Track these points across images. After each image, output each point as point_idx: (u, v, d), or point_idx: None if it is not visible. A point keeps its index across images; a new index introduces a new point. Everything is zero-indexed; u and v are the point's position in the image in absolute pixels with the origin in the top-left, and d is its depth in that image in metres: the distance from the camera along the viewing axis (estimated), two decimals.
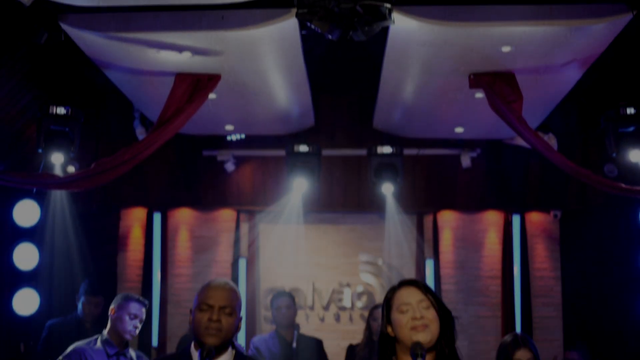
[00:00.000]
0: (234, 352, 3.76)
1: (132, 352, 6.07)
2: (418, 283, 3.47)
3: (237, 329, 3.73)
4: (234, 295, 3.71)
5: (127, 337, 5.95)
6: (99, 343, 5.92)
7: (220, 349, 3.67)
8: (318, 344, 8.08)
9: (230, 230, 9.52)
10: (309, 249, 9.51)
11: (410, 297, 3.41)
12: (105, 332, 5.99)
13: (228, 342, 3.70)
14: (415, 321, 3.34)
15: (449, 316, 3.44)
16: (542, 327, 9.28)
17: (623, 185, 6.82)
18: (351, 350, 8.11)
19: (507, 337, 5.55)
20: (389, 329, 3.43)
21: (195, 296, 3.73)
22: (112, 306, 6.02)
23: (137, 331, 6.03)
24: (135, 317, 5.97)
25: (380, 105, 8.26)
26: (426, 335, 3.32)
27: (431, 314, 3.37)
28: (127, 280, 9.42)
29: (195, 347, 3.63)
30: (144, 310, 6.07)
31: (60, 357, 5.79)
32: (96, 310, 7.76)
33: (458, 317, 3.42)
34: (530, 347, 5.39)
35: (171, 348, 8.94)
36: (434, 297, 3.43)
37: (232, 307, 3.66)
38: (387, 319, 3.45)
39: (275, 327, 8.07)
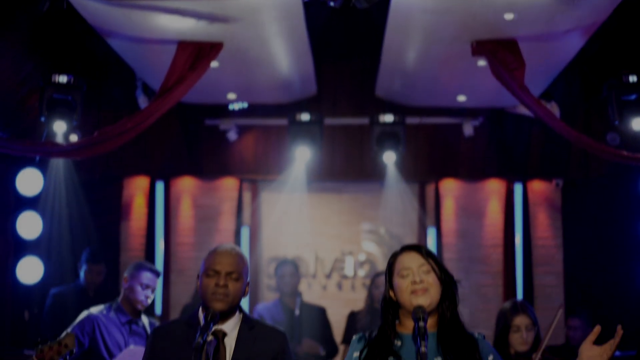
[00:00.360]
0: (241, 316, 3.80)
1: (144, 320, 6.11)
2: (419, 248, 3.50)
3: (244, 294, 3.77)
4: (240, 260, 3.74)
5: (139, 306, 5.98)
6: (111, 311, 5.98)
7: (228, 314, 3.71)
8: (321, 311, 8.15)
9: (233, 199, 9.55)
10: (312, 218, 9.54)
11: (411, 261, 3.44)
12: (118, 300, 6.04)
13: (235, 307, 3.74)
14: (415, 285, 3.38)
15: (451, 281, 3.47)
16: (544, 295, 9.32)
17: (625, 152, 6.83)
18: (352, 317, 8.18)
19: (506, 304, 5.60)
20: (391, 294, 3.47)
21: (202, 262, 3.76)
22: (125, 275, 6.06)
23: (149, 301, 6.06)
24: (147, 287, 5.99)
25: (382, 73, 8.25)
26: (426, 299, 3.36)
27: (431, 278, 3.41)
28: (130, 249, 9.46)
29: (203, 312, 3.67)
30: (156, 279, 6.08)
31: (73, 325, 5.84)
32: (98, 278, 7.80)
33: (460, 281, 3.46)
34: (529, 313, 5.43)
35: (174, 316, 9.00)
36: (435, 262, 3.46)
37: (239, 272, 3.70)
38: (390, 283, 3.48)
39: (279, 295, 8.14)
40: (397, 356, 3.36)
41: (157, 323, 6.26)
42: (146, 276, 5.99)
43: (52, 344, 4.99)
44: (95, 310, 5.97)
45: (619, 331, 3.32)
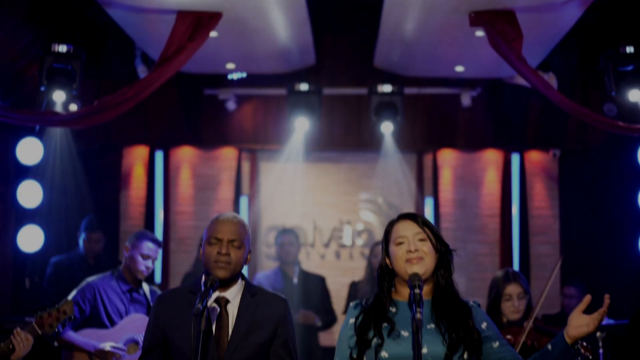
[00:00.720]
0: (243, 283, 3.86)
1: (145, 288, 6.17)
2: (416, 217, 3.55)
3: (246, 261, 3.83)
4: (242, 228, 3.79)
5: (139, 276, 6.04)
6: (113, 279, 6.04)
7: (230, 281, 3.77)
8: (321, 280, 8.24)
9: (232, 169, 9.60)
10: (310, 187, 9.59)
11: (407, 230, 3.50)
12: (120, 268, 6.09)
13: (237, 274, 3.80)
14: (410, 254, 3.43)
15: (446, 250, 3.53)
16: (540, 264, 9.40)
17: (621, 123, 6.87)
18: (354, 287, 8.27)
19: (498, 273, 5.68)
20: (387, 261, 3.53)
21: (205, 230, 3.81)
22: (126, 244, 6.11)
23: (150, 271, 6.11)
24: (148, 257, 6.04)
25: (381, 43, 8.26)
26: (420, 268, 3.41)
27: (427, 247, 3.46)
28: (130, 217, 9.52)
29: (205, 279, 3.73)
30: (157, 249, 6.13)
31: (74, 292, 5.90)
32: (96, 245, 7.86)
33: (456, 250, 3.50)
34: (520, 282, 5.50)
35: (174, 284, 9.08)
36: (431, 231, 3.51)
37: (241, 240, 3.75)
38: (386, 251, 3.54)
39: (278, 264, 8.22)
40: (391, 322, 3.42)
41: (158, 291, 6.31)
42: (147, 246, 6.03)
43: (51, 310, 5.06)
44: (96, 278, 6.04)
45: (607, 300, 3.37)
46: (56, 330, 5.06)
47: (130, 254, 6.03)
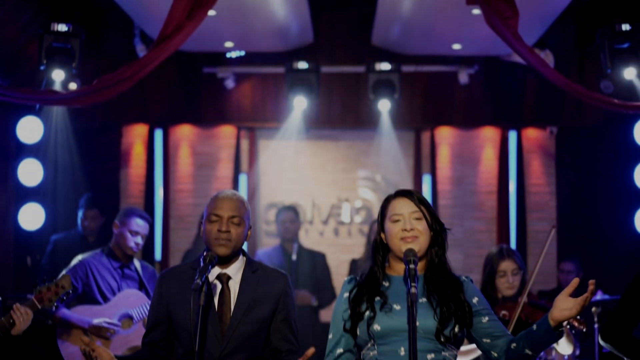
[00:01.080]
0: (244, 259, 3.93)
1: (137, 263, 6.23)
2: (413, 194, 3.60)
3: (247, 237, 3.89)
4: (241, 205, 3.86)
5: (129, 252, 6.10)
6: (103, 256, 6.09)
7: (231, 258, 3.84)
8: (321, 257, 8.32)
9: (231, 147, 9.64)
10: (309, 165, 9.64)
11: (403, 208, 3.55)
12: (110, 245, 6.15)
13: (238, 250, 3.87)
14: (405, 232, 3.49)
15: (441, 228, 3.59)
16: (537, 240, 9.47)
17: (616, 101, 6.90)
18: (353, 265, 8.36)
19: (493, 249, 5.75)
20: (382, 236, 3.59)
21: (205, 208, 3.88)
22: (115, 221, 6.16)
23: (139, 247, 6.18)
24: (137, 233, 6.09)
25: (378, 21, 8.28)
26: (414, 246, 3.47)
27: (421, 226, 3.52)
28: (130, 195, 9.57)
29: None
30: (146, 226, 6.18)
31: (65, 270, 5.95)
32: (93, 223, 7.89)
33: (451, 229, 3.56)
34: (514, 258, 5.58)
35: (174, 262, 9.15)
36: (427, 209, 3.57)
37: (241, 216, 3.82)
38: (381, 226, 3.60)
39: (279, 241, 8.29)
40: (383, 296, 3.49)
41: (149, 266, 6.40)
42: (136, 223, 6.08)
43: (50, 285, 5.13)
44: (87, 255, 6.10)
45: (591, 286, 3.39)
46: (55, 304, 5.14)
47: (119, 231, 6.09)
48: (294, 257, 8.01)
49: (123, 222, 6.09)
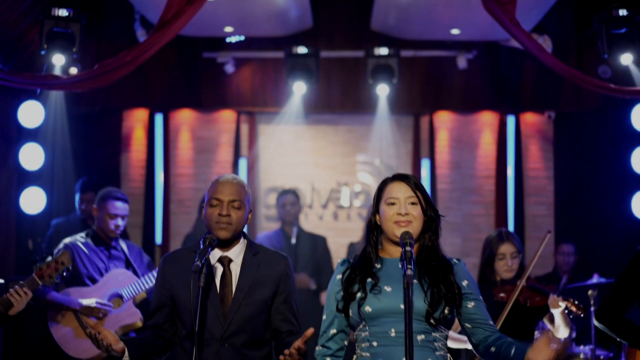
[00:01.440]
0: (245, 242, 4.00)
1: (122, 244, 6.26)
2: (410, 179, 3.65)
3: (247, 221, 3.96)
4: (241, 189, 3.92)
5: (111, 235, 6.13)
6: (88, 238, 6.12)
7: (232, 241, 3.91)
8: (322, 240, 8.38)
9: (231, 131, 9.68)
10: (308, 149, 9.68)
11: (400, 192, 3.60)
12: (94, 227, 6.18)
13: (239, 234, 3.93)
14: (400, 216, 3.55)
15: (435, 214, 3.64)
16: (534, 225, 9.53)
17: (613, 86, 6.94)
18: (352, 248, 8.43)
19: (492, 233, 5.81)
20: (377, 218, 3.64)
21: (206, 192, 3.94)
22: (94, 205, 6.19)
23: (121, 229, 6.18)
24: (116, 216, 6.09)
25: (377, 6, 8.31)
26: (408, 230, 3.53)
27: (416, 211, 3.58)
28: (131, 180, 9.62)
29: None
30: (125, 206, 6.17)
31: (53, 253, 5.99)
32: (89, 206, 7.91)
33: (445, 216, 3.61)
34: (513, 241, 5.63)
35: (174, 245, 9.20)
36: (423, 195, 3.62)
37: (241, 200, 3.88)
38: (376, 208, 3.66)
39: (280, 224, 8.35)
40: (375, 277, 3.55)
41: (135, 245, 6.45)
42: (114, 206, 6.08)
43: (50, 262, 5.20)
44: (73, 239, 6.11)
45: (555, 346, 3.39)
46: (55, 281, 5.20)
47: (98, 215, 6.11)
48: (293, 240, 8.07)
49: (101, 207, 6.09)
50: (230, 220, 3.83)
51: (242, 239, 3.96)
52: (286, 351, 3.49)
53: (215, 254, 3.86)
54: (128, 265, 6.20)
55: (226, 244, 3.87)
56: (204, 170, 9.63)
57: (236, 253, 3.90)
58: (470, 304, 3.58)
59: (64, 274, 5.25)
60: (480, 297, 3.64)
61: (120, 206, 6.10)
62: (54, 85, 7.12)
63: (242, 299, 3.83)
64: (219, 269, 3.86)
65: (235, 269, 3.89)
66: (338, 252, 8.91)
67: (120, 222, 6.11)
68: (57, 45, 7.19)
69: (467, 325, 3.60)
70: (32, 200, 8.13)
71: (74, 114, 8.56)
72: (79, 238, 6.11)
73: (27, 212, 8.17)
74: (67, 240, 6.10)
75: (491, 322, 3.64)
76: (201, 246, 3.75)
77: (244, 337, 3.83)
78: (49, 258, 5.25)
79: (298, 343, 3.50)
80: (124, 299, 5.98)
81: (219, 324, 3.81)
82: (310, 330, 3.54)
